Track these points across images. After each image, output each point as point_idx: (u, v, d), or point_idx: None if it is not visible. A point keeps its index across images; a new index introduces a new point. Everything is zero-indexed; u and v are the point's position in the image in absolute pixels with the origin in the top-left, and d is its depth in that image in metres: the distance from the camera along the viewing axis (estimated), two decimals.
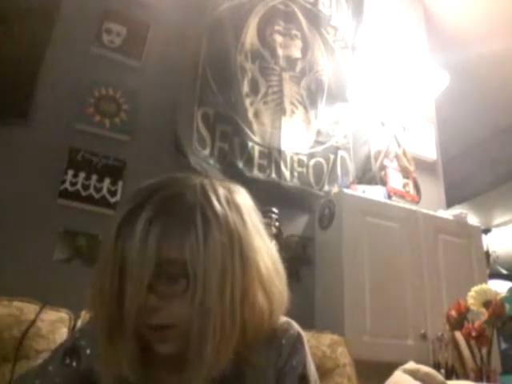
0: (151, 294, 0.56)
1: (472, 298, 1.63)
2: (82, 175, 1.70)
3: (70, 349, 0.67)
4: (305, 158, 2.19)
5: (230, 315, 0.56)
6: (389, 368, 1.29)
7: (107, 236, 0.58)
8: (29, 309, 1.18)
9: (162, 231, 0.55)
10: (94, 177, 1.72)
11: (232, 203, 0.61)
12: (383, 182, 2.25)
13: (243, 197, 0.65)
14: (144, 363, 0.60)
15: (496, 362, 1.81)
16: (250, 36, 2.26)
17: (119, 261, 0.56)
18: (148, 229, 0.55)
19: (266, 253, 0.64)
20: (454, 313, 1.68)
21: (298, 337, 0.68)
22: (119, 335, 0.57)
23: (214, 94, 2.05)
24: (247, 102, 2.13)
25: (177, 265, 0.55)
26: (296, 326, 0.70)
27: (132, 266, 0.55)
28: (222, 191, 0.62)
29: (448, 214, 2.29)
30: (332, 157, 2.27)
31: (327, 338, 1.51)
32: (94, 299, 0.59)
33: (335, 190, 2.08)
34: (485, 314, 1.59)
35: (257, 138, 2.10)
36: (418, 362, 1.32)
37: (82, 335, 0.69)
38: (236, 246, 0.58)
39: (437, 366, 1.73)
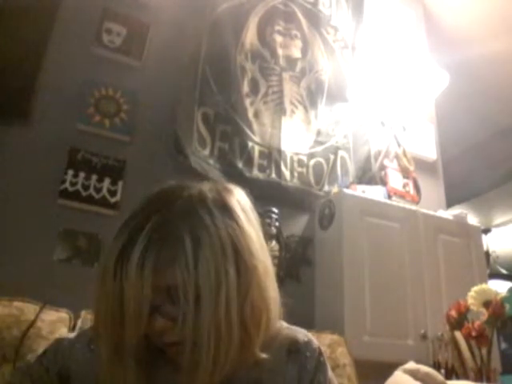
0: (160, 318, 0.57)
1: (472, 298, 1.63)
2: (81, 175, 1.70)
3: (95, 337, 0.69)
4: (305, 158, 2.19)
5: (225, 324, 0.56)
6: (389, 368, 1.29)
7: (105, 270, 0.58)
8: (29, 309, 1.18)
9: (155, 261, 0.55)
10: (94, 177, 1.72)
11: (225, 210, 0.61)
12: (383, 182, 2.25)
13: (238, 198, 0.65)
14: (148, 374, 0.61)
15: (496, 362, 1.81)
16: (250, 36, 2.25)
17: (118, 295, 0.56)
18: (142, 262, 0.55)
19: (264, 253, 0.64)
20: (453, 313, 1.69)
21: (320, 350, 0.71)
22: (122, 357, 0.58)
23: (213, 93, 2.05)
24: (247, 101, 2.13)
25: (176, 289, 0.56)
26: (314, 338, 0.72)
27: (129, 303, 0.55)
28: (212, 201, 0.61)
29: (448, 214, 2.29)
30: (332, 157, 2.26)
31: (327, 337, 1.51)
32: (97, 325, 0.60)
33: (335, 190, 2.08)
34: (485, 314, 1.60)
35: (257, 138, 2.09)
36: (418, 362, 1.32)
37: None
38: (230, 258, 0.58)
39: (437, 366, 1.73)
